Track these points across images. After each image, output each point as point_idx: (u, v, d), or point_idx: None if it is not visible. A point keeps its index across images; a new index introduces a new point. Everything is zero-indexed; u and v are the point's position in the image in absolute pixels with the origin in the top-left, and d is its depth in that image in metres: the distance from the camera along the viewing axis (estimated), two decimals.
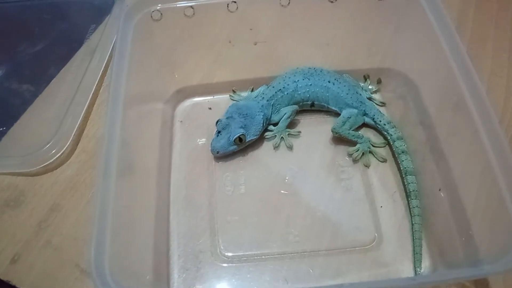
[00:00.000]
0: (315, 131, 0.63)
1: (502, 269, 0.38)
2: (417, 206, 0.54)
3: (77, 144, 0.63)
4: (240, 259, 0.53)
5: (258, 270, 0.52)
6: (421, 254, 0.52)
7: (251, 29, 0.64)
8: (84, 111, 0.64)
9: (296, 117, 0.64)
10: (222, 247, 0.54)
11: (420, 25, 0.59)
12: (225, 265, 0.53)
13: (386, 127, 0.60)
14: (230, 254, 0.53)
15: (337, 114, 0.63)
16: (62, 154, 0.61)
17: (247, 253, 0.53)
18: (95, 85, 0.67)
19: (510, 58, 0.70)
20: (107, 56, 0.69)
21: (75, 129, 0.62)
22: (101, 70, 0.68)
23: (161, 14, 0.59)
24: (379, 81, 0.67)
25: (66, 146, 0.61)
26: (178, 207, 0.57)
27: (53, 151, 0.60)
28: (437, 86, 0.58)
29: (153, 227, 0.53)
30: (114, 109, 0.49)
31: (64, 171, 0.61)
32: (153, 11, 0.59)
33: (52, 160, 0.60)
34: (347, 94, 0.62)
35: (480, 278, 0.40)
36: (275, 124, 0.63)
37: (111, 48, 0.69)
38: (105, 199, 0.45)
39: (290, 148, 0.61)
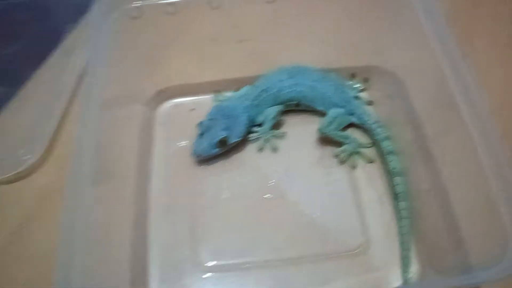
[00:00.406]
0: (301, 132, 0.61)
1: (495, 277, 0.36)
2: (405, 208, 0.52)
3: (52, 150, 0.60)
4: (222, 268, 0.51)
5: (241, 280, 0.50)
6: (409, 258, 0.50)
7: (235, 27, 0.62)
8: (60, 114, 0.62)
9: (281, 118, 0.62)
10: (204, 256, 0.51)
11: (410, 22, 0.57)
12: (206, 275, 0.50)
13: (373, 126, 0.58)
14: (212, 263, 0.51)
15: (323, 114, 0.61)
16: (36, 160, 0.58)
17: (230, 262, 0.51)
18: (72, 87, 0.65)
19: (502, 54, 0.68)
20: (85, 57, 0.66)
21: (50, 134, 0.60)
22: (78, 72, 0.66)
23: (141, 11, 0.56)
24: (366, 80, 0.65)
25: (41, 151, 0.59)
26: (157, 215, 0.55)
27: (27, 157, 0.58)
28: (426, 84, 0.57)
29: (131, 237, 0.51)
30: (86, 113, 0.47)
31: (38, 178, 0.58)
32: (132, 9, 0.56)
33: (25, 166, 0.58)
34: (334, 93, 0.60)
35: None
36: (259, 125, 0.61)
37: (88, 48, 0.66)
38: (74, 209, 0.42)
39: (275, 150, 0.59)
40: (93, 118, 0.48)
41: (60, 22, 0.74)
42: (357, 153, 0.58)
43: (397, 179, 0.54)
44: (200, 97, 0.66)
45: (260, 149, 0.59)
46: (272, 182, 0.57)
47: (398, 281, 0.49)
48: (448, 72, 0.50)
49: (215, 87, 0.66)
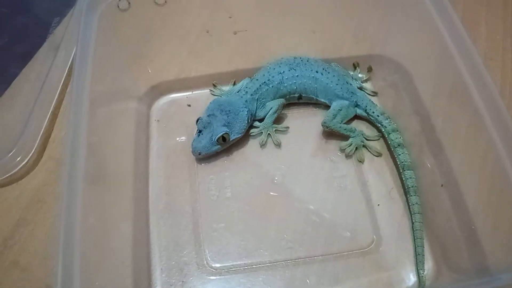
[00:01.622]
0: (304, 125, 0.59)
1: None
2: (416, 203, 0.50)
3: (44, 151, 0.58)
4: (229, 270, 0.49)
5: (249, 282, 0.48)
6: (423, 255, 0.48)
7: (230, 17, 0.60)
8: (49, 113, 0.59)
9: (283, 111, 0.59)
10: (208, 258, 0.49)
11: (411, 6, 0.55)
12: (213, 277, 0.48)
13: (380, 118, 0.56)
14: (217, 265, 0.49)
15: (326, 107, 0.59)
16: (27, 162, 0.56)
17: (236, 263, 0.49)
18: (61, 84, 0.61)
19: (504, 39, 0.67)
20: (73, 52, 0.62)
21: (41, 134, 0.58)
22: (67, 68, 0.62)
23: (129, 3, 0.54)
24: (369, 69, 0.63)
25: (32, 153, 0.56)
26: (158, 216, 0.52)
27: (17, 160, 0.56)
28: (430, 71, 0.55)
29: (132, 240, 0.49)
30: (77, 111, 0.45)
31: (30, 181, 0.56)
32: (119, 0, 0.53)
33: (17, 169, 0.55)
34: (337, 84, 0.57)
35: None
36: (260, 120, 0.59)
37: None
38: (71, 212, 0.41)
39: (278, 145, 0.57)
40: (84, 116, 0.46)
41: (46, 16, 0.71)
42: (364, 146, 0.56)
43: (407, 173, 0.52)
44: (196, 91, 0.63)
45: (263, 145, 0.57)
46: (276, 179, 0.54)
47: (412, 280, 0.47)
48: (457, 57, 0.48)
49: (211, 81, 0.63)
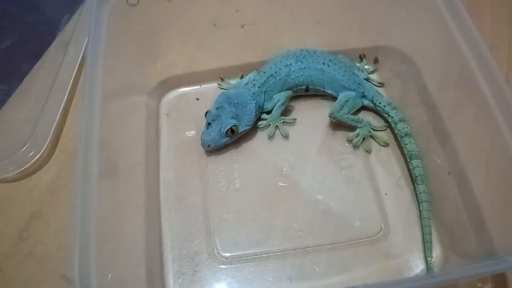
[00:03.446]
0: (312, 117, 0.60)
1: None
2: (424, 192, 0.51)
3: (56, 145, 0.59)
4: (239, 259, 0.50)
5: (259, 270, 0.49)
6: (431, 242, 0.49)
7: (237, 11, 0.60)
8: (61, 108, 0.60)
9: (290, 103, 0.60)
10: (219, 248, 0.50)
11: None
12: (223, 266, 0.49)
13: (387, 109, 0.57)
14: (228, 254, 0.50)
15: (333, 98, 0.59)
16: (40, 156, 0.57)
17: (246, 252, 0.50)
18: (72, 80, 0.62)
19: (509, 29, 0.67)
20: (83, 48, 0.64)
21: (53, 129, 0.59)
22: (78, 64, 0.63)
23: None
24: (376, 60, 0.63)
25: (44, 147, 0.57)
26: (169, 208, 0.53)
27: (31, 154, 0.56)
28: (437, 60, 0.55)
29: (144, 231, 0.50)
30: (90, 106, 0.45)
31: (44, 174, 0.57)
32: None
33: (30, 163, 0.56)
34: (344, 76, 0.58)
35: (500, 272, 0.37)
36: (268, 112, 0.59)
37: (86, 39, 0.64)
38: (86, 204, 0.41)
39: (286, 137, 0.58)
40: (96, 111, 0.46)
41: (55, 13, 0.72)
42: (371, 136, 0.57)
43: (414, 162, 0.52)
44: (204, 85, 0.64)
45: (271, 137, 0.58)
46: (284, 170, 0.55)
47: (420, 267, 0.48)
48: (464, 46, 0.48)
49: (219, 75, 0.64)
